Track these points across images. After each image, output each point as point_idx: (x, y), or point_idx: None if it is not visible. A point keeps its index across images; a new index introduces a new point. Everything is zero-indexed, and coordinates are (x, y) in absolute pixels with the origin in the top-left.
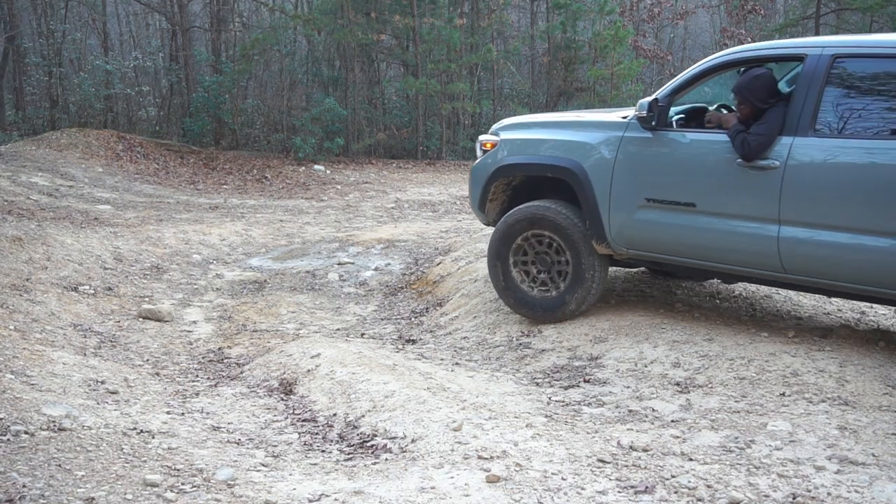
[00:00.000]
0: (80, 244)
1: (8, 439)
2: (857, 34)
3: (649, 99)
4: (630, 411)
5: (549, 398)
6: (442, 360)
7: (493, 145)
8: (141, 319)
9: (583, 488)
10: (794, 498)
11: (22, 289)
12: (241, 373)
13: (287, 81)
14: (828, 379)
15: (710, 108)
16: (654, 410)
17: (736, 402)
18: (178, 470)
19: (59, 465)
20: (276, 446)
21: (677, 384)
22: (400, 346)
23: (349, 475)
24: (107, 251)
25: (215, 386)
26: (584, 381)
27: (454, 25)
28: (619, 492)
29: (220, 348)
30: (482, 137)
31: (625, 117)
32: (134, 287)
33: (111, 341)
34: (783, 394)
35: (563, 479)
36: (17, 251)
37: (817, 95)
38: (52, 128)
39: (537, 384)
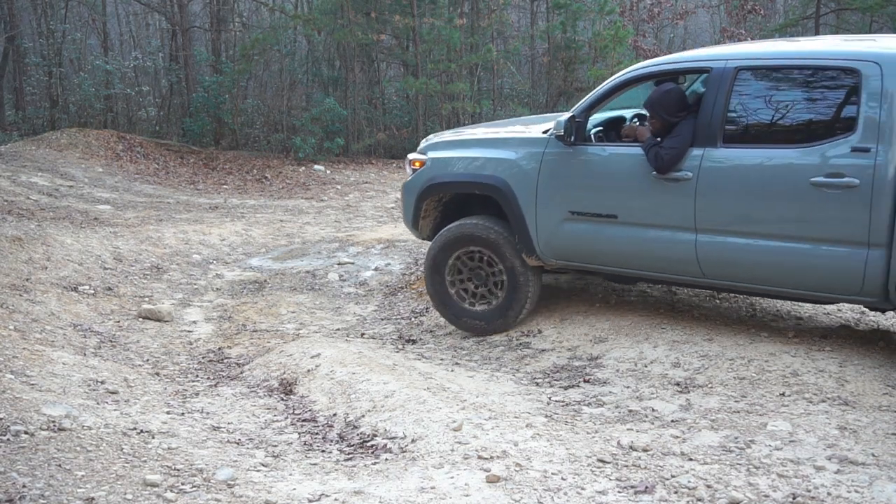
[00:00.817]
0: (80, 244)
1: (8, 439)
2: (763, 43)
3: (566, 116)
4: (630, 411)
5: (549, 398)
6: (442, 360)
7: (422, 164)
8: (141, 319)
9: (583, 488)
10: (794, 498)
11: (22, 289)
12: (241, 373)
13: (287, 81)
14: (828, 379)
15: (628, 117)
16: (654, 410)
17: (736, 402)
18: (178, 470)
19: (59, 465)
20: (276, 446)
21: (677, 384)
22: (400, 346)
23: (349, 475)
24: (107, 251)
25: (215, 386)
26: (584, 381)
27: (454, 25)
28: (619, 492)
29: (220, 348)
30: (410, 156)
31: (545, 132)
32: (134, 287)
33: (111, 341)
34: (783, 394)
35: (563, 479)
36: (17, 251)
37: (723, 107)
38: (52, 128)
39: (537, 384)
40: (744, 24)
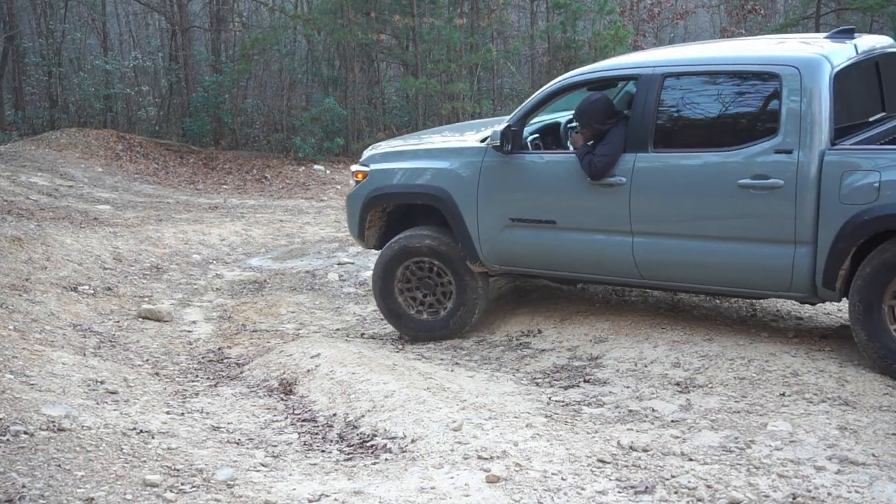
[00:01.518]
0: (80, 244)
1: (7, 439)
2: (690, 48)
3: (502, 127)
4: (630, 411)
5: (549, 398)
6: (442, 360)
7: (365, 175)
8: (140, 319)
9: (583, 488)
10: (794, 498)
11: (21, 289)
12: (241, 373)
13: (287, 81)
14: (828, 379)
15: (563, 122)
16: (654, 410)
17: (736, 402)
18: (177, 470)
19: (59, 466)
20: (275, 446)
21: (677, 384)
22: (400, 346)
23: (349, 475)
24: (106, 251)
25: (215, 386)
26: (584, 381)
27: (454, 25)
28: (618, 492)
29: (219, 348)
30: (353, 168)
31: (483, 140)
32: (133, 287)
33: (111, 341)
34: (783, 394)
35: (563, 479)
36: (17, 251)
37: (653, 113)
38: (52, 128)
39: (537, 384)
40: (744, 23)
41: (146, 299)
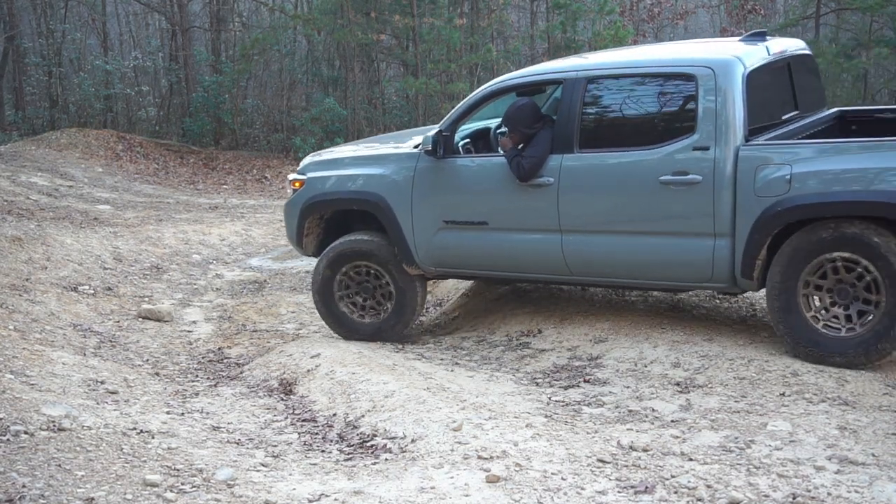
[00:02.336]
0: (80, 244)
1: (8, 439)
2: (612, 52)
3: (434, 132)
4: (630, 411)
5: (549, 398)
6: (442, 360)
7: (302, 184)
8: (141, 319)
9: (582, 488)
10: (794, 498)
11: (22, 289)
12: (241, 373)
13: (287, 81)
14: (827, 379)
15: (493, 127)
16: (654, 410)
17: (736, 402)
18: (177, 470)
19: (59, 465)
20: (276, 446)
21: (677, 384)
22: (400, 346)
23: (349, 475)
24: (106, 251)
25: (215, 386)
26: (584, 381)
27: (454, 25)
28: (618, 492)
29: (220, 348)
30: (290, 176)
31: (417, 146)
32: (134, 287)
33: (111, 341)
34: (783, 394)
35: (562, 479)
36: (17, 251)
37: (578, 115)
38: (52, 128)
39: (537, 384)
40: (744, 24)
41: (146, 299)
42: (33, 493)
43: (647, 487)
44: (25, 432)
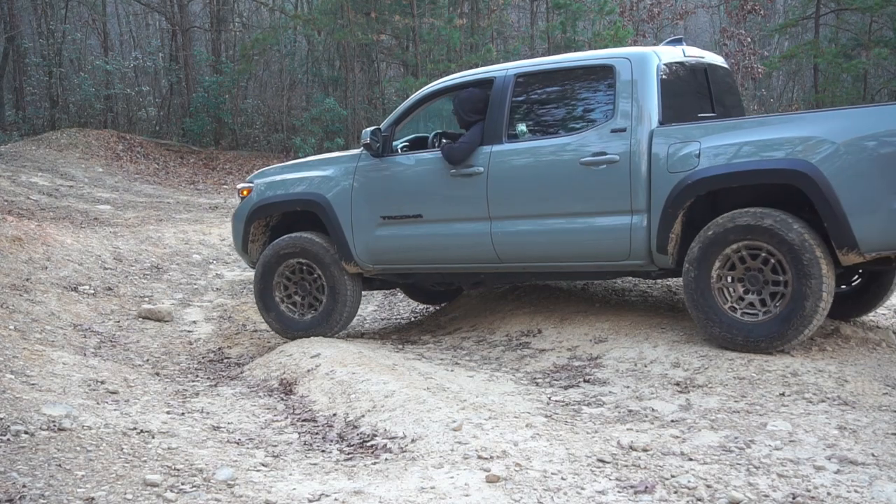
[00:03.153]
0: (80, 244)
1: (8, 439)
2: (541, 58)
3: (372, 128)
4: (630, 411)
5: (549, 398)
6: (442, 360)
7: (249, 191)
8: (141, 319)
9: (582, 488)
10: (793, 498)
11: (22, 289)
12: (241, 373)
13: (287, 81)
14: (827, 379)
15: (430, 136)
16: (653, 410)
17: (736, 402)
18: (178, 470)
19: (59, 465)
20: (276, 446)
21: (677, 384)
22: (399, 346)
23: (349, 475)
24: (107, 251)
25: (215, 386)
26: (584, 381)
27: (454, 25)
28: (618, 492)
29: (220, 348)
30: (239, 186)
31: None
32: (134, 287)
33: (111, 341)
34: (783, 394)
35: (562, 478)
36: (17, 251)
37: (507, 108)
38: (52, 128)
39: (537, 384)
40: (744, 24)
41: (146, 299)
42: (33, 493)
43: (647, 487)
44: (25, 432)
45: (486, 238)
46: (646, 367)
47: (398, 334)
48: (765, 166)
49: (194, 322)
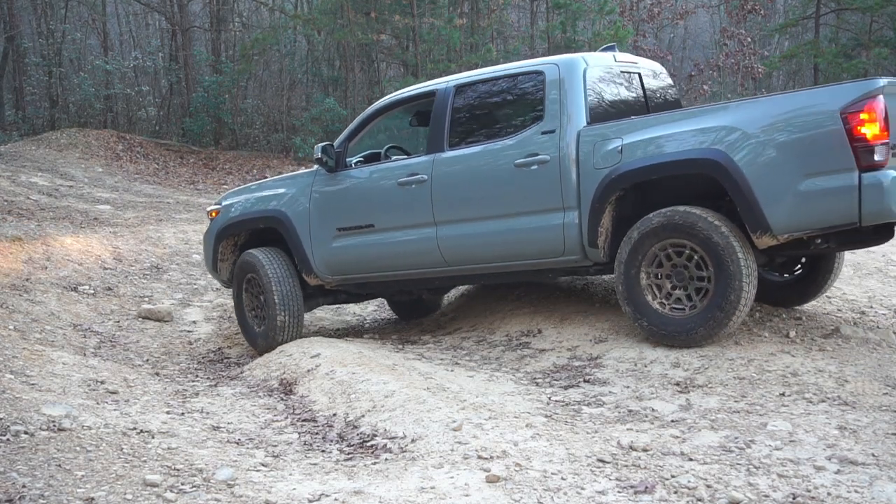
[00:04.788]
0: (80, 244)
1: (8, 439)
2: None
3: (323, 144)
4: (630, 411)
5: (549, 398)
6: (441, 360)
7: (217, 213)
8: (141, 319)
9: (582, 488)
10: (793, 498)
11: (22, 289)
12: (241, 373)
13: (287, 81)
14: (827, 379)
15: (381, 152)
16: (653, 410)
17: (736, 402)
18: (177, 470)
19: (59, 465)
20: (276, 446)
21: (677, 384)
22: (399, 346)
23: (349, 475)
24: (107, 251)
25: (215, 386)
26: (584, 381)
27: (454, 25)
28: (618, 492)
29: (219, 348)
30: (209, 208)
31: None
32: (134, 287)
33: (111, 341)
34: (783, 394)
35: (562, 478)
36: (17, 251)
37: (447, 118)
38: (52, 128)
39: (537, 384)
40: (744, 23)
41: (146, 299)
42: (33, 493)
43: (647, 487)
44: (25, 432)
45: (433, 243)
46: (646, 367)
47: (398, 334)
48: (679, 157)
49: (194, 322)
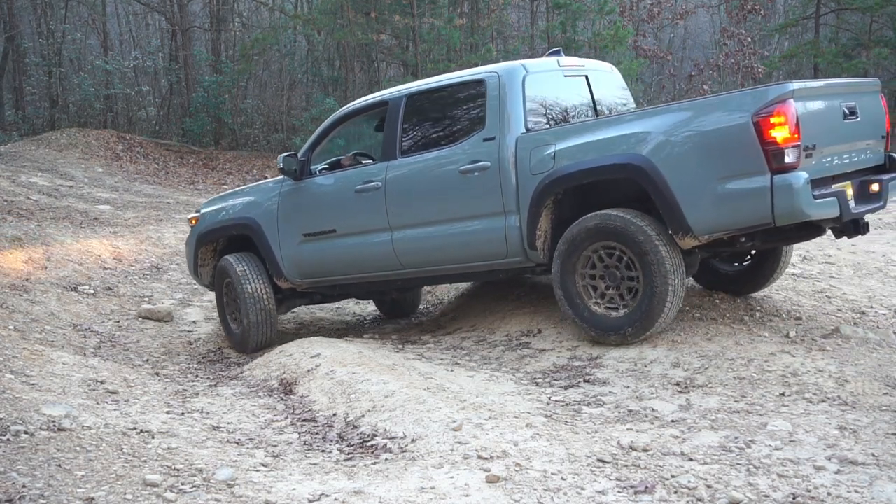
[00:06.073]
0: (80, 244)
1: (8, 439)
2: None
3: (286, 154)
4: (630, 411)
5: (549, 398)
6: (442, 360)
7: (197, 220)
8: (141, 319)
9: (582, 488)
10: (793, 498)
11: (22, 289)
12: (241, 373)
13: (287, 81)
14: (827, 379)
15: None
16: (653, 410)
17: (736, 402)
18: (177, 470)
19: (59, 465)
20: (276, 446)
21: (677, 384)
22: (399, 346)
23: (349, 475)
24: (107, 251)
25: (215, 386)
26: (584, 381)
27: (454, 25)
28: (618, 492)
29: (219, 348)
30: (189, 216)
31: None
32: (134, 287)
33: (111, 341)
34: (783, 394)
35: (562, 478)
36: (17, 251)
37: (399, 126)
38: (52, 128)
39: (537, 384)
40: (744, 23)
41: (146, 299)
42: (33, 493)
43: (647, 487)
44: (25, 432)
45: (389, 247)
46: (646, 367)
47: (398, 334)
48: (605, 162)
49: (194, 322)
